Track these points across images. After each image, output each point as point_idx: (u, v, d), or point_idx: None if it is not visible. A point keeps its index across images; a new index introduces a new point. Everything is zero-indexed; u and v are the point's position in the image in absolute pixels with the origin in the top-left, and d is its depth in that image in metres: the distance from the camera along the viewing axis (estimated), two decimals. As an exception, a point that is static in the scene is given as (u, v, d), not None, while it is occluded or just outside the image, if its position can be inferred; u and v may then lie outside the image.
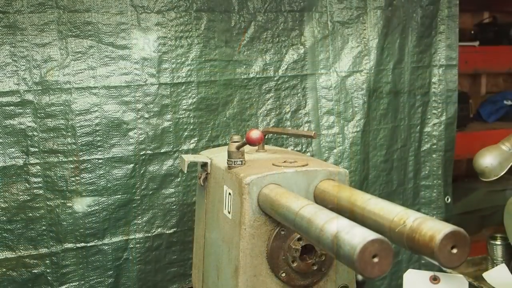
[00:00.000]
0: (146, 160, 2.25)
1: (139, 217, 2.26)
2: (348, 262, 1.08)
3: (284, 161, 1.64)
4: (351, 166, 2.61)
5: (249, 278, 1.55)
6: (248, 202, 1.53)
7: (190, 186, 2.33)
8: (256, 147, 1.90)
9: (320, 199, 1.54)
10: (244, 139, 1.59)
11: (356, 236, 1.08)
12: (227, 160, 1.66)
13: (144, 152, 2.24)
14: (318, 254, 1.56)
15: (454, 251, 1.11)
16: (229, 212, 1.64)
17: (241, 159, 1.64)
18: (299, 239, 1.54)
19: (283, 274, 1.56)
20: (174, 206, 2.31)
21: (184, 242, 2.33)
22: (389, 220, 1.24)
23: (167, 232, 2.31)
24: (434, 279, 1.21)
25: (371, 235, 1.07)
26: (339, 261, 1.14)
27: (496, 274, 2.77)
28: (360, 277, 1.84)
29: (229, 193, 1.63)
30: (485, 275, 2.79)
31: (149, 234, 2.28)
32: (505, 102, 4.53)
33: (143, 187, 2.25)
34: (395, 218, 1.23)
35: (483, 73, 4.78)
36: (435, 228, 1.12)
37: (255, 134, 1.50)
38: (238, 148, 1.64)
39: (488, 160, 2.73)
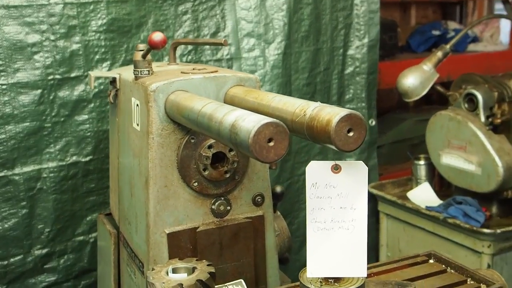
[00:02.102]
0: (55, 85, 2.18)
1: (52, 145, 2.21)
2: (244, 148, 1.10)
3: (193, 69, 1.63)
4: (272, 89, 2.62)
5: (160, 189, 1.56)
6: (155, 110, 1.52)
7: (105, 112, 2.29)
8: (168, 62, 1.88)
9: (230, 104, 1.54)
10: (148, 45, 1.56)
11: (251, 121, 1.09)
12: (133, 71, 1.63)
13: (52, 76, 2.17)
14: (230, 161, 1.58)
15: (351, 134, 1.14)
16: (137, 125, 1.62)
17: (147, 69, 1.61)
18: (209, 147, 1.55)
19: (195, 183, 1.58)
20: (89, 133, 2.27)
21: (101, 170, 2.31)
22: (291, 113, 1.26)
23: (83, 160, 2.27)
24: (336, 168, 1.25)
25: (265, 119, 1.08)
26: (238, 151, 1.16)
27: (419, 192, 2.92)
28: (278, 189, 1.88)
29: (137, 105, 1.62)
30: (409, 194, 2.93)
31: (64, 163, 2.24)
32: (433, 32, 4.65)
33: (53, 114, 2.19)
34: (296, 110, 1.25)
35: (412, 2, 4.86)
36: (331, 113, 1.14)
37: (157, 36, 1.47)
38: (143, 56, 1.61)
39: (411, 80, 2.81)
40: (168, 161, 1.55)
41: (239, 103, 1.49)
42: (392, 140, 4.08)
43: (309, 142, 2.77)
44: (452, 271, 1.61)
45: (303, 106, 1.24)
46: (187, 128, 1.53)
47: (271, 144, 1.09)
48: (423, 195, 2.89)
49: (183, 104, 1.42)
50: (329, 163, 1.26)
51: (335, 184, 1.26)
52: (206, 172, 1.57)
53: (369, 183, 3.04)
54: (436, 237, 2.68)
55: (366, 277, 1.55)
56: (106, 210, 2.24)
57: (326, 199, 1.27)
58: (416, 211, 2.77)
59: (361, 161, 1.25)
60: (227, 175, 1.59)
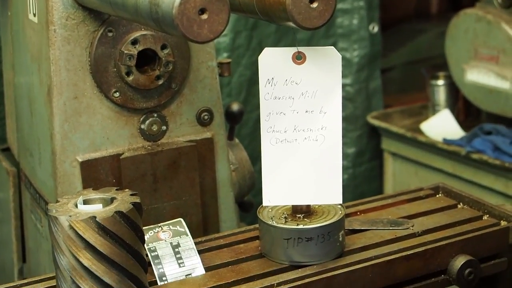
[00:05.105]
0: None
1: None
2: (168, 25, 1.13)
3: None
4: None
5: (68, 101, 1.58)
6: (56, -10, 1.53)
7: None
8: None
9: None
10: None
11: (176, -14, 1.12)
12: None
13: None
14: (163, 63, 1.61)
15: (314, 5, 1.18)
16: (34, 15, 1.64)
17: None
18: (134, 42, 1.58)
19: (116, 94, 1.61)
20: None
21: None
22: (237, -16, 1.29)
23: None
24: (299, 58, 1.29)
25: (195, -18, 1.11)
26: (163, 30, 1.19)
27: (437, 122, 2.99)
28: (235, 107, 1.92)
29: (32, -14, 1.63)
30: (424, 125, 3.00)
31: None
32: None
33: None
34: (244, -21, 1.27)
35: None
36: (288, -23, 1.17)
37: None
38: None
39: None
40: (77, 62, 1.58)
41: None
42: (406, 59, 4.12)
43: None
44: (465, 206, 1.68)
45: (253, -28, 1.27)
46: (102, 15, 1.55)
47: (204, 16, 1.12)
48: (441, 126, 2.96)
49: (92, -22, 1.43)
50: (290, 50, 1.29)
51: (298, 79, 1.30)
52: (131, 78, 1.59)
53: (371, 111, 3.14)
54: (457, 180, 2.76)
55: (350, 216, 1.63)
56: (4, 145, 2.26)
57: (286, 100, 1.31)
58: (431, 147, 2.85)
59: (332, 47, 1.28)
60: (160, 82, 1.62)
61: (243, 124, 2.79)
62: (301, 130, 1.32)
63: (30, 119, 1.76)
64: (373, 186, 3.17)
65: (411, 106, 3.24)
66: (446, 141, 2.77)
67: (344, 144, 2.99)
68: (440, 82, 3.05)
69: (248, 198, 2.02)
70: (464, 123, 2.99)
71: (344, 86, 2.98)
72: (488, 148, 2.63)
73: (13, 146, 2.02)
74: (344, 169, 3.03)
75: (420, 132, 2.97)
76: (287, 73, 1.30)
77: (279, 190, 1.35)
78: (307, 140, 1.33)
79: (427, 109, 3.13)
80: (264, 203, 1.37)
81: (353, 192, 3.08)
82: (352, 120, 3.10)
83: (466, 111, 3.03)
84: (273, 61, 1.29)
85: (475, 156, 2.64)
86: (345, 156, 3.03)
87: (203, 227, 1.74)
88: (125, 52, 1.57)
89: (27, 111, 1.78)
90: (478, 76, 2.79)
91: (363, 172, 3.13)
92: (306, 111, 1.31)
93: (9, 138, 2.07)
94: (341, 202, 1.39)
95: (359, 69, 3.05)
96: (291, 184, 1.35)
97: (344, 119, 3.00)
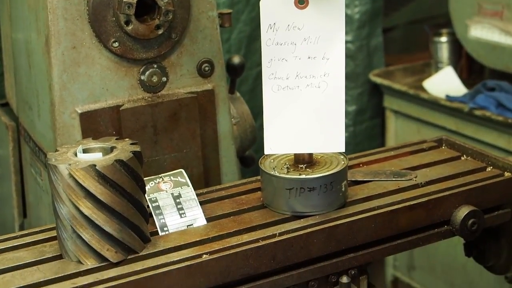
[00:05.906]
0: None
1: None
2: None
3: None
4: None
5: (66, 51, 1.56)
6: None
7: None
8: None
9: None
10: None
11: None
12: None
13: None
14: (162, 12, 1.58)
15: None
16: (31, -36, 1.61)
17: None
18: (132, -9, 1.55)
19: (115, 43, 1.59)
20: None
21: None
22: None
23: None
24: (301, 2, 1.26)
25: None
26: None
27: (440, 80, 2.97)
28: (237, 60, 1.90)
29: None
30: (426, 82, 2.97)
31: None
32: None
33: None
34: None
35: None
36: None
37: None
38: None
39: None
40: (75, 11, 1.55)
41: None
42: (408, 19, 4.08)
43: None
44: (468, 158, 1.67)
45: None
46: (100, -37, 1.53)
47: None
48: (444, 83, 2.93)
49: None
50: (292, -6, 1.27)
51: (301, 24, 1.28)
52: (130, 27, 1.57)
53: (372, 69, 3.11)
54: (460, 137, 2.73)
55: (353, 168, 1.61)
56: (3, 100, 2.25)
57: (288, 46, 1.29)
58: (433, 104, 2.82)
59: (336, -8, 1.26)
60: (160, 32, 1.60)
61: (243, 80, 2.77)
62: (304, 76, 1.30)
63: (28, 71, 1.74)
64: (374, 144, 3.15)
65: (413, 64, 3.21)
66: (449, 98, 2.75)
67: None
68: (443, 39, 3.02)
69: (249, 152, 2.00)
70: (467, 80, 2.96)
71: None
72: (491, 105, 2.60)
73: (11, 100, 2.01)
74: (345, 127, 3.02)
75: (422, 89, 2.94)
76: (289, 18, 1.27)
77: (281, 138, 1.33)
78: (309, 87, 1.31)
79: (430, 66, 3.10)
80: (266, 152, 1.35)
81: (353, 151, 3.06)
82: (353, 77, 3.07)
83: (469, 68, 3.01)
84: (275, 6, 1.27)
85: (478, 112, 2.62)
86: (346, 114, 3.01)
87: (204, 179, 1.73)
88: (124, 0, 1.54)
89: (25, 64, 1.76)
90: (481, 32, 2.76)
91: (364, 130, 3.12)
92: (309, 57, 1.29)
93: (8, 93, 2.06)
94: (343, 150, 1.37)
95: (360, 26, 3.02)
96: (293, 132, 1.33)
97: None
